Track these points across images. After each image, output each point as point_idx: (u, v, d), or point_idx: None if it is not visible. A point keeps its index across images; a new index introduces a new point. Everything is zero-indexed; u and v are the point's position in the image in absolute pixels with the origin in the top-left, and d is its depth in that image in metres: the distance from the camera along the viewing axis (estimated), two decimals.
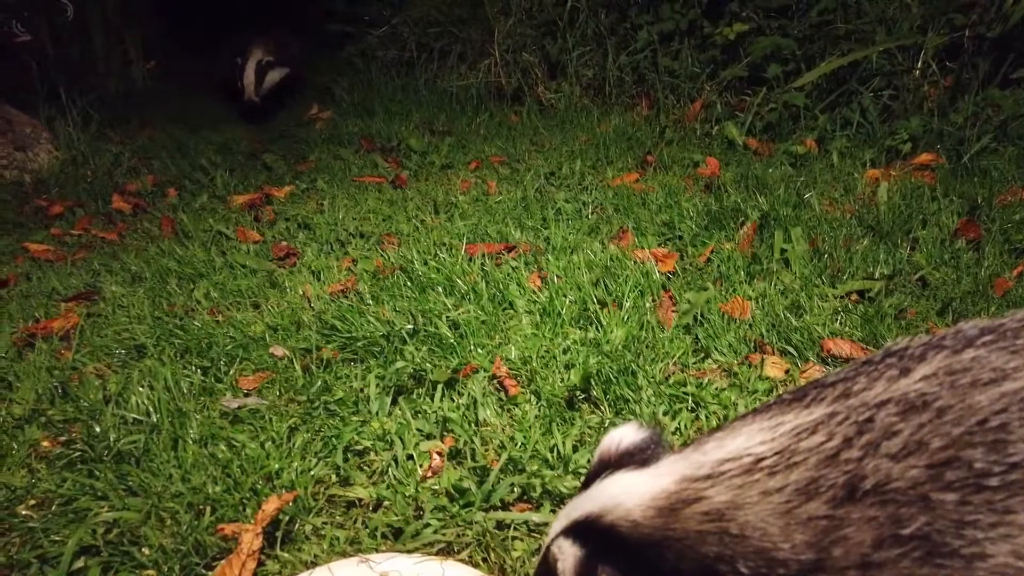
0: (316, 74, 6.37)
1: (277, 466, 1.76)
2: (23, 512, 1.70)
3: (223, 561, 1.51)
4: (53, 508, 1.70)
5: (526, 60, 5.32)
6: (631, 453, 0.99)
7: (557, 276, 2.63)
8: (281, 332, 2.41)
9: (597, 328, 2.30)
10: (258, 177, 4.23)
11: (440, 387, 2.04)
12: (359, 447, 1.85)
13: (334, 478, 1.77)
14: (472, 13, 5.59)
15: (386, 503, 1.67)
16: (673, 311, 2.39)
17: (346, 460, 1.82)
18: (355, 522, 1.65)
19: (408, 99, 5.64)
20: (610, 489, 0.93)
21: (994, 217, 2.83)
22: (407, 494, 1.68)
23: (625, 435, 1.02)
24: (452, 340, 2.25)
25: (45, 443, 1.93)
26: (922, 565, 0.73)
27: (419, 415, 1.96)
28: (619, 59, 5.04)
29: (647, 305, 2.41)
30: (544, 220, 3.22)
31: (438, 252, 2.91)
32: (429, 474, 1.76)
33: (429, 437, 1.88)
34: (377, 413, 1.96)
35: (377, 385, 2.07)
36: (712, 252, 2.77)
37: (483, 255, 2.82)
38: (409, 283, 2.65)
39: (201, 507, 1.66)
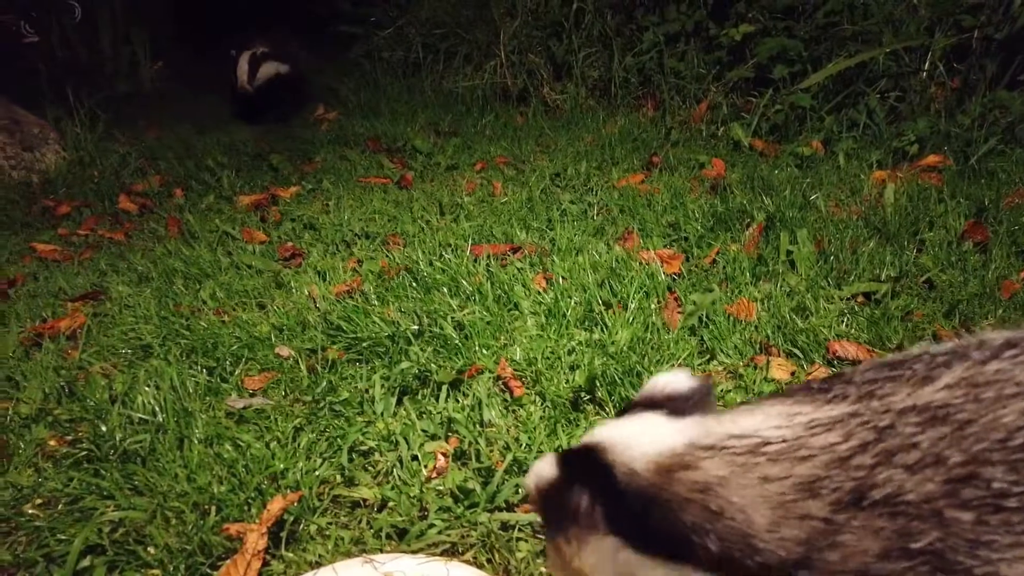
0: (322, 75, 6.38)
1: (282, 466, 1.76)
2: (29, 511, 1.70)
3: (228, 561, 1.51)
4: (59, 507, 1.70)
5: (532, 61, 5.33)
6: (672, 399, 0.98)
7: (562, 277, 2.63)
8: (287, 332, 2.41)
9: (602, 329, 2.30)
10: (264, 178, 4.24)
11: (445, 388, 2.04)
12: (364, 447, 1.86)
13: (339, 478, 1.77)
14: (478, 14, 5.60)
15: (391, 504, 1.67)
16: (678, 312, 2.39)
17: (351, 460, 1.82)
18: (360, 522, 1.65)
19: (414, 100, 5.65)
20: (627, 429, 0.93)
21: (1001, 219, 2.82)
22: (412, 495, 1.68)
23: (672, 381, 1.01)
24: (457, 341, 2.25)
25: (52, 442, 1.93)
26: None
27: (424, 416, 1.96)
28: (625, 60, 5.04)
29: (652, 306, 2.41)
30: (549, 221, 3.22)
31: (443, 253, 2.91)
32: (434, 475, 1.76)
33: (434, 438, 1.88)
34: (382, 414, 1.97)
35: (382, 386, 2.07)
36: (718, 253, 2.77)
37: (488, 256, 2.82)
38: (414, 284, 2.65)
39: (206, 507, 1.66)
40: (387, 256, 2.97)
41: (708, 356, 2.19)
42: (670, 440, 0.88)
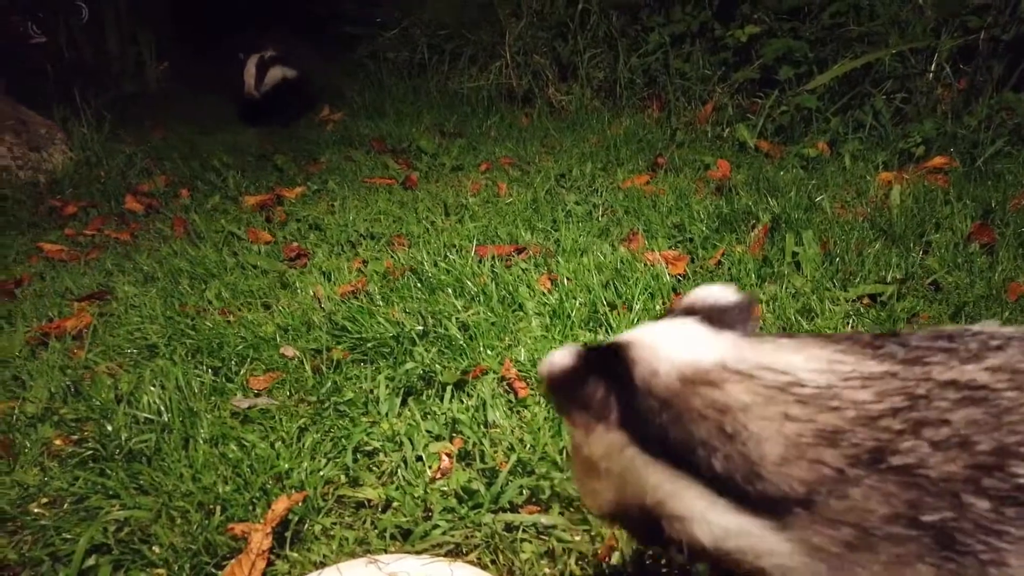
0: (327, 76, 6.39)
1: (287, 466, 1.76)
2: (35, 510, 1.71)
3: (233, 560, 1.51)
4: (65, 506, 1.71)
5: (537, 62, 5.33)
6: (714, 310, 0.97)
7: (567, 278, 2.63)
8: (292, 333, 2.42)
9: (607, 330, 2.30)
10: (269, 178, 4.25)
11: (449, 388, 2.04)
12: (368, 448, 1.86)
13: (343, 478, 1.77)
14: (483, 15, 5.60)
15: (395, 504, 1.67)
16: None
17: (355, 461, 1.82)
18: (364, 523, 1.65)
19: (419, 101, 5.66)
20: (660, 332, 0.94)
21: (1008, 221, 2.81)
22: (416, 495, 1.68)
23: (716, 292, 1.00)
24: (462, 341, 2.25)
25: (57, 441, 1.94)
26: (931, 554, 0.72)
27: (428, 416, 1.96)
28: (630, 61, 5.03)
29: (657, 308, 2.41)
30: (554, 222, 3.21)
31: (448, 253, 2.92)
32: (438, 475, 1.76)
33: (438, 438, 1.88)
34: (387, 414, 1.97)
35: (387, 386, 2.07)
36: (723, 255, 2.76)
37: (493, 257, 2.82)
38: (419, 284, 2.66)
39: (211, 506, 1.67)
40: (392, 257, 2.97)
41: None
42: (701, 353, 0.88)
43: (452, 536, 1.58)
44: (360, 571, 1.42)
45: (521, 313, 2.44)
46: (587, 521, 1.58)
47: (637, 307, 2.38)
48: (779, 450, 0.78)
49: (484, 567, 1.50)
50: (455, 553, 1.55)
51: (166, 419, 1.97)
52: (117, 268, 3.09)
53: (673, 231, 3.04)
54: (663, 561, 1.49)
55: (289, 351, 2.30)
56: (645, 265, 2.68)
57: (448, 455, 1.81)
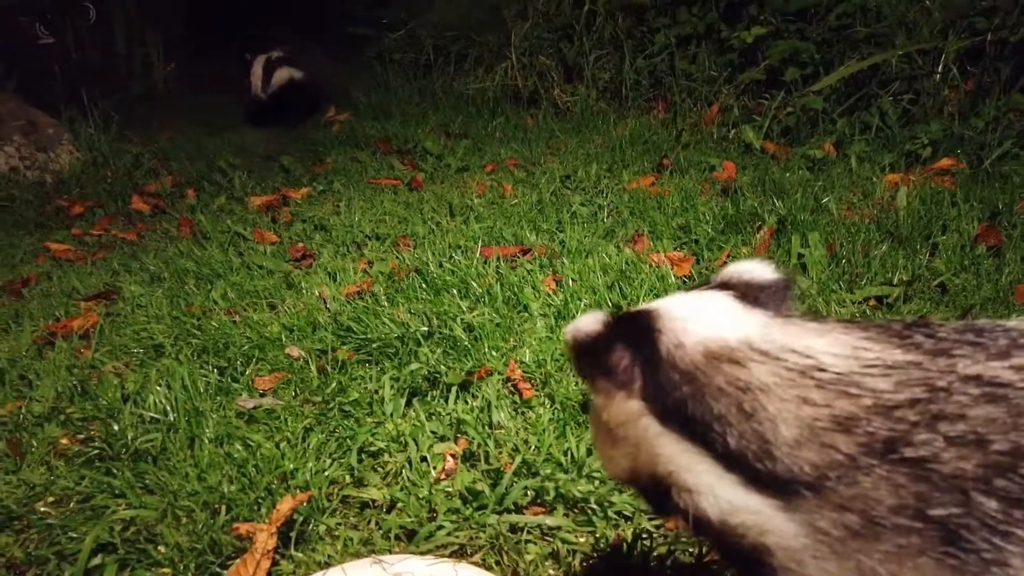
0: (333, 77, 6.41)
1: (292, 466, 1.77)
2: (42, 509, 1.72)
3: (238, 560, 1.51)
4: (71, 505, 1.72)
5: (543, 63, 5.33)
6: (749, 287, 0.97)
7: (572, 279, 2.63)
8: (297, 333, 2.42)
9: None
10: (275, 179, 4.27)
11: (454, 389, 2.04)
12: (373, 448, 1.86)
13: (348, 479, 1.77)
14: (489, 17, 5.61)
15: (400, 504, 1.68)
16: None
17: (360, 461, 1.82)
18: (369, 523, 1.65)
19: (425, 102, 5.67)
20: (690, 303, 0.94)
21: (1015, 223, 2.79)
22: (421, 496, 1.69)
23: (753, 269, 1.00)
24: (466, 342, 2.25)
25: (64, 441, 1.95)
26: (934, 548, 0.71)
27: (433, 417, 1.96)
28: (636, 62, 5.03)
29: None
30: (559, 223, 3.21)
31: (453, 254, 2.92)
32: (443, 476, 1.76)
33: (443, 439, 1.88)
34: (391, 415, 1.97)
35: (392, 387, 2.07)
36: (728, 256, 2.76)
37: (498, 258, 2.82)
38: (424, 285, 2.66)
39: (217, 506, 1.67)
40: (397, 257, 2.97)
41: None
42: (728, 329, 0.88)
43: (457, 537, 1.58)
44: (365, 571, 1.42)
45: (526, 314, 2.44)
46: (592, 523, 1.58)
47: None
48: (794, 433, 0.79)
49: (488, 568, 1.50)
50: (460, 554, 1.55)
51: (172, 419, 1.97)
52: (124, 268, 3.11)
53: (678, 232, 3.04)
54: (669, 563, 1.49)
55: (294, 351, 2.31)
56: (650, 266, 2.67)
57: (453, 456, 1.81)
